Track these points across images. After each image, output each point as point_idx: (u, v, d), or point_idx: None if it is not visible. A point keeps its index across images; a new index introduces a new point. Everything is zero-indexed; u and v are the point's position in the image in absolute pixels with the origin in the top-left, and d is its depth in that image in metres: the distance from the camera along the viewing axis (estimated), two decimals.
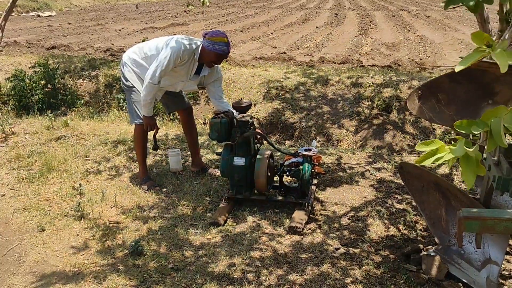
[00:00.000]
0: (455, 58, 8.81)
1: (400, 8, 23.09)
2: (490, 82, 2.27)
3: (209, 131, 3.46)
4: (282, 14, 19.78)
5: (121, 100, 6.13)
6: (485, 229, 1.85)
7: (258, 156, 3.38)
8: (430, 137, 5.28)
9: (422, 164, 1.62)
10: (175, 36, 3.56)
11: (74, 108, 6.18)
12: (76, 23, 15.55)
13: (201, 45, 3.47)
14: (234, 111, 3.51)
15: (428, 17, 17.54)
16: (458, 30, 13.49)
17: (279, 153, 4.22)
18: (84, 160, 4.36)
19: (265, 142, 3.63)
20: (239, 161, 3.37)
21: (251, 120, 3.42)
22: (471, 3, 1.94)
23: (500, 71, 1.38)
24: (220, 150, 3.83)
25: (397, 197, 3.60)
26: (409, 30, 13.62)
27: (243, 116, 3.40)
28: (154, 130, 3.69)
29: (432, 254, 2.60)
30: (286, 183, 3.58)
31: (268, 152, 3.43)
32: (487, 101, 2.29)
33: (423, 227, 3.13)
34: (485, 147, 2.05)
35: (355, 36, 12.24)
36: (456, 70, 1.54)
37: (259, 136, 3.53)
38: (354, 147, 5.23)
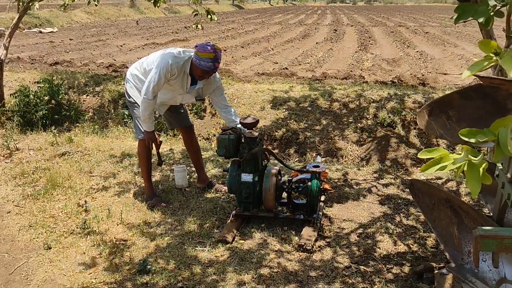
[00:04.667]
0: (457, 73, 8.87)
1: (398, 24, 23.36)
2: (502, 99, 2.27)
3: (216, 147, 3.45)
4: (281, 30, 19.97)
5: (125, 115, 6.13)
6: (503, 248, 1.82)
7: (266, 173, 3.36)
8: None
9: (426, 172, 1.59)
10: (168, 50, 3.51)
11: (78, 124, 6.17)
12: (77, 39, 15.67)
13: (191, 58, 3.42)
14: (241, 127, 3.51)
15: (426, 33, 17.73)
16: (458, 45, 13.62)
17: (286, 169, 4.21)
18: (89, 176, 4.34)
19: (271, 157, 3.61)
20: (246, 177, 3.35)
21: (259, 136, 3.40)
22: (482, 19, 1.94)
23: (509, 75, 1.39)
24: (224, 163, 3.82)
25: (405, 213, 3.57)
26: (409, 46, 13.75)
27: (250, 132, 3.39)
28: (156, 145, 3.66)
29: (445, 273, 2.57)
30: (294, 199, 3.56)
31: (276, 168, 3.41)
32: (499, 118, 2.28)
33: (433, 245, 3.10)
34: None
35: (356, 52, 12.33)
36: (463, 77, 1.55)
37: (266, 152, 3.51)
38: (359, 162, 5.22)
